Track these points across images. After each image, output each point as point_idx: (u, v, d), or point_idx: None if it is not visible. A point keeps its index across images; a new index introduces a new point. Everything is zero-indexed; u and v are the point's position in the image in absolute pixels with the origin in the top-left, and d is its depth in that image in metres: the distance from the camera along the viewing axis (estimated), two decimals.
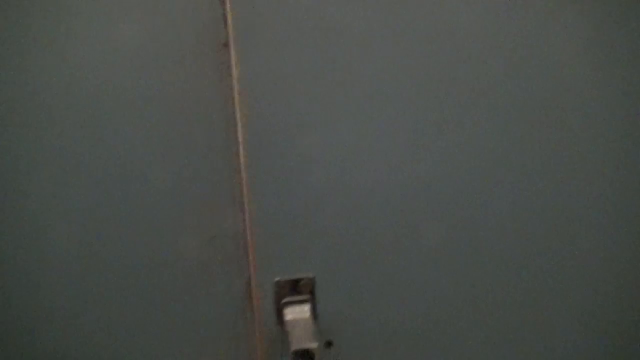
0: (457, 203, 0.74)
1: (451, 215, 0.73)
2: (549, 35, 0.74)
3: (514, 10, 0.72)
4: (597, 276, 0.80)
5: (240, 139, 0.68)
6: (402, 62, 0.71)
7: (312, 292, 0.71)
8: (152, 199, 0.69)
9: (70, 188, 0.68)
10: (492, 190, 0.75)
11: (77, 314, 0.70)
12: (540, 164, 0.76)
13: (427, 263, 0.73)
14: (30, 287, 0.69)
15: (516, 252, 0.77)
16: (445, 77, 0.72)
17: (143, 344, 0.72)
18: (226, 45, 0.67)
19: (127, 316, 0.71)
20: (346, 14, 0.68)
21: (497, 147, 0.75)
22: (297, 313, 0.70)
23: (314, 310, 0.70)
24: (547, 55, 0.74)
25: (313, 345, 0.64)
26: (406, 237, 0.72)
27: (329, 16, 0.68)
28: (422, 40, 0.71)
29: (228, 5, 0.66)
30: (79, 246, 0.69)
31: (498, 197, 0.75)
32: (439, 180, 0.73)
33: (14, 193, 0.67)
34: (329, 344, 0.71)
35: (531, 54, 0.74)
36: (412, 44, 0.71)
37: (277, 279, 0.70)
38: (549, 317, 0.79)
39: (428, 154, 0.73)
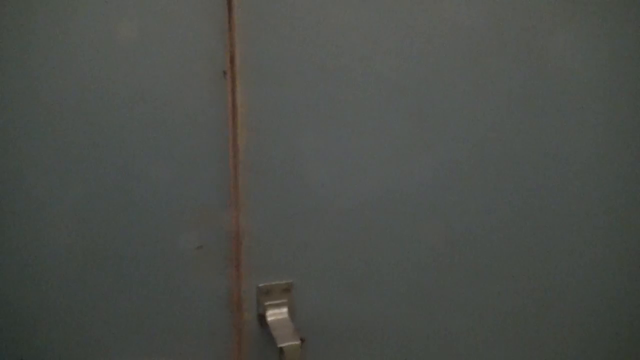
0: (429, 218, 0.85)
1: (421, 230, 0.85)
2: (549, 37, 0.83)
3: (515, 13, 0.82)
4: (597, 277, 0.90)
5: (231, 162, 0.76)
6: (400, 82, 0.80)
7: (289, 296, 0.80)
8: (144, 207, 0.73)
9: (64, 188, 0.70)
10: (469, 208, 0.86)
11: (63, 313, 0.72)
12: (539, 165, 0.86)
13: (396, 274, 0.85)
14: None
15: (484, 257, 0.88)
16: (442, 87, 0.82)
17: (129, 343, 0.75)
18: (225, 73, 0.74)
19: (114, 315, 0.74)
20: (342, 40, 0.77)
21: (492, 155, 0.84)
22: (277, 315, 0.79)
23: (291, 312, 0.80)
24: (547, 58, 0.83)
25: (296, 342, 0.73)
26: (377, 250, 0.83)
27: (325, 44, 0.77)
28: (422, 46, 0.80)
29: (229, 37, 0.73)
30: (69, 248, 0.71)
31: (474, 212, 0.86)
32: (415, 196, 0.83)
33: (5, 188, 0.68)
34: (301, 340, 0.81)
35: (532, 58, 0.83)
36: (412, 59, 0.80)
37: (260, 284, 0.78)
38: (523, 321, 0.90)
39: (404, 175, 0.82)
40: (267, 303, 0.78)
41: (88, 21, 0.68)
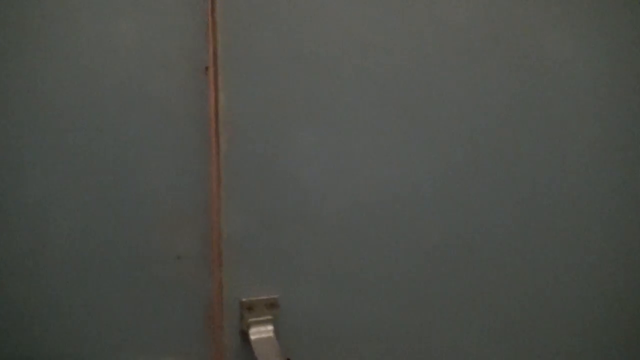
0: (425, 221, 0.79)
1: (417, 234, 0.79)
2: (547, 36, 0.81)
3: (512, 12, 0.80)
4: (598, 276, 0.86)
5: (213, 165, 0.70)
6: (392, 79, 0.76)
7: (275, 312, 0.73)
8: (118, 210, 0.68)
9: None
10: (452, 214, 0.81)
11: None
12: (537, 165, 0.83)
13: (392, 285, 0.78)
14: None
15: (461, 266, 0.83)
16: (437, 85, 0.78)
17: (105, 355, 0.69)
18: (207, 68, 0.70)
19: (95, 333, 0.68)
20: (331, 35, 0.73)
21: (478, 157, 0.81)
22: (262, 333, 0.71)
23: (276, 329, 0.72)
24: (545, 57, 0.81)
25: None
26: (370, 259, 0.77)
27: (310, 40, 0.73)
28: (416, 42, 0.77)
29: (211, 31, 0.69)
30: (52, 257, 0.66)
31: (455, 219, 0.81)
32: (409, 198, 0.78)
33: None
34: None
35: (530, 57, 0.81)
36: (406, 55, 0.77)
37: (243, 299, 0.72)
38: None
39: (398, 176, 0.78)
40: (250, 320, 0.71)
41: (73, 17, 0.64)
